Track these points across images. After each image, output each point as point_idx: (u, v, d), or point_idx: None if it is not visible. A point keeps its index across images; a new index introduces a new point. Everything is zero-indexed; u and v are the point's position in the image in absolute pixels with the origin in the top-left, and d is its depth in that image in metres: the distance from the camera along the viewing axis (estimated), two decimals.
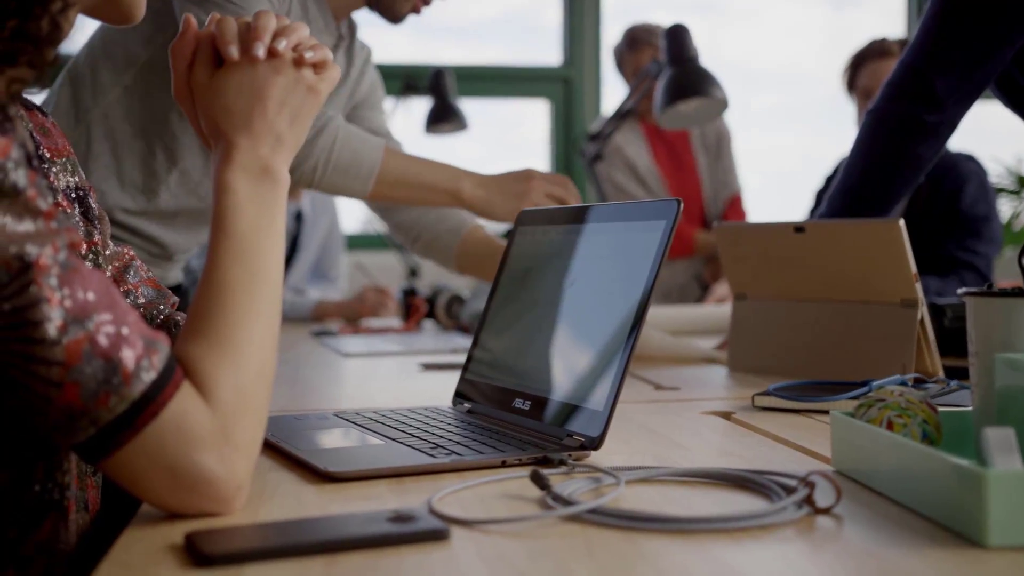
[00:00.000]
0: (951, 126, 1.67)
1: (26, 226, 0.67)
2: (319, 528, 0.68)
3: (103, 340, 0.69)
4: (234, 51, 0.84)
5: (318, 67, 0.87)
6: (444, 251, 1.87)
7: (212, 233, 0.81)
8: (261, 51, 0.84)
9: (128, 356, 0.70)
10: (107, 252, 0.97)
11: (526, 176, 1.65)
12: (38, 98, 1.79)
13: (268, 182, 0.83)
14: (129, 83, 1.62)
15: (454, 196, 1.59)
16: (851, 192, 1.69)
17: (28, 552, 0.79)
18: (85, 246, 0.92)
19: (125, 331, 0.70)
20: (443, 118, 3.27)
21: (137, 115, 1.63)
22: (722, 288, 2.91)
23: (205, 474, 0.72)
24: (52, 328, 0.67)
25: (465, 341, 2.11)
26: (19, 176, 0.67)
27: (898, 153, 1.66)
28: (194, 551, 0.64)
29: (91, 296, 0.69)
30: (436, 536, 0.67)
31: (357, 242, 4.18)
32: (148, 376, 0.70)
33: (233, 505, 0.74)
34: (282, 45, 0.84)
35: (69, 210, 0.91)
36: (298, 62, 0.85)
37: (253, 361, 0.77)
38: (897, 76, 1.67)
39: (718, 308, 2.51)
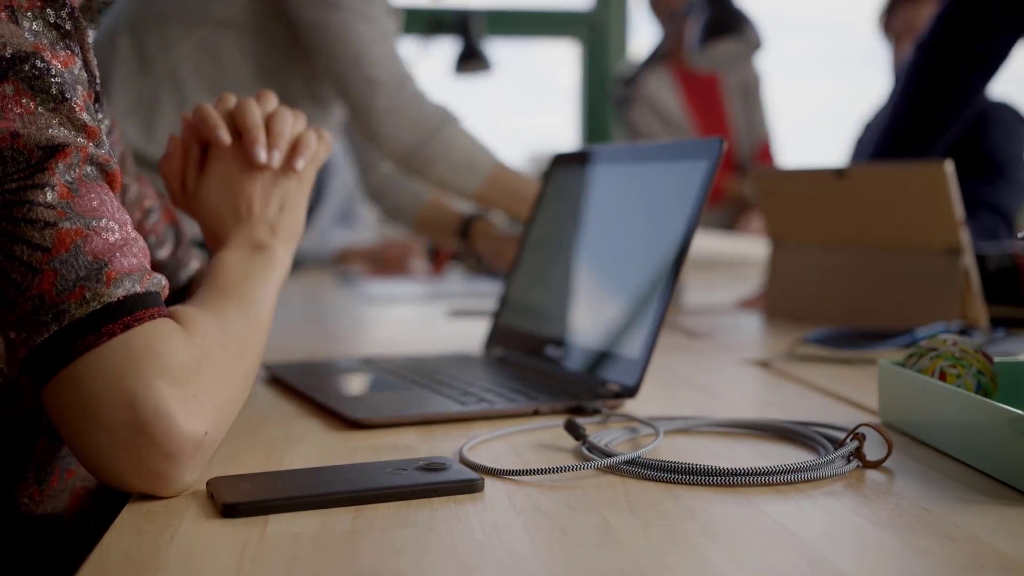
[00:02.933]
0: (1002, 55, 1.62)
1: (64, 133, 0.65)
2: (347, 477, 0.66)
3: (98, 242, 0.64)
4: (225, 137, 0.84)
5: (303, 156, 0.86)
6: (405, 216, 2.00)
7: (201, 288, 0.77)
8: (262, 155, 0.84)
9: (120, 263, 0.64)
10: (129, 194, 0.95)
11: None
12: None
13: (260, 254, 0.81)
14: (201, 39, 1.59)
15: None
16: (898, 128, 1.65)
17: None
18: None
19: (125, 247, 0.65)
20: (470, 60, 3.24)
21: (207, 72, 1.60)
22: (756, 222, 2.88)
23: (166, 409, 0.62)
24: (48, 212, 0.62)
25: (492, 287, 2.08)
26: (71, 89, 0.65)
27: (948, 84, 1.63)
28: (217, 499, 0.62)
29: (104, 208, 0.65)
30: (470, 487, 0.65)
31: None
32: (133, 287, 0.64)
33: (183, 469, 0.63)
34: (261, 158, 0.84)
35: None
36: (285, 169, 0.85)
37: (237, 344, 0.71)
38: (948, 5, 1.63)
39: (749, 243, 2.47)
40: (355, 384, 1.00)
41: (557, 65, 4.81)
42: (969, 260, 1.27)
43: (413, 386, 0.96)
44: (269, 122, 0.85)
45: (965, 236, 1.27)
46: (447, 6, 3.54)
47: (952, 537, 0.56)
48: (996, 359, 0.81)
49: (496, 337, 1.15)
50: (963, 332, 1.16)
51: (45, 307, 0.62)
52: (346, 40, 1.50)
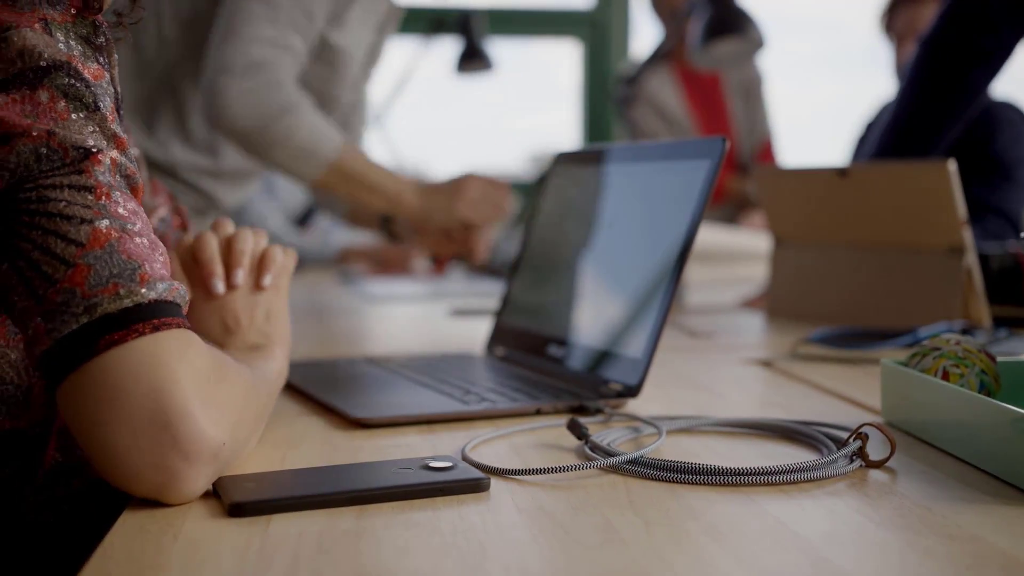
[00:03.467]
0: (1005, 52, 1.63)
1: (97, 139, 0.66)
2: (350, 476, 0.66)
3: (131, 245, 0.64)
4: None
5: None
6: (338, 206, 2.02)
7: None
8: (218, 287, 0.87)
9: (151, 268, 0.65)
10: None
11: (462, 178, 1.66)
12: None
13: (258, 352, 0.85)
14: (194, 40, 1.59)
15: (393, 201, 1.63)
16: (902, 125, 1.65)
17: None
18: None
19: (153, 254, 0.66)
20: (472, 59, 3.24)
21: (201, 73, 1.61)
22: (757, 219, 2.88)
23: (191, 408, 0.61)
24: (85, 210, 0.63)
25: (494, 286, 2.08)
26: (103, 100, 0.67)
27: (951, 79, 1.63)
28: (222, 498, 0.62)
29: (136, 215, 0.66)
30: (475, 486, 0.65)
31: None
32: (163, 293, 0.64)
33: (198, 473, 0.62)
34: (217, 289, 0.87)
35: None
36: (254, 287, 0.89)
37: (251, 381, 0.73)
38: (953, 2, 1.63)
39: (751, 236, 2.47)
40: (358, 384, 1.00)
41: (558, 64, 4.82)
42: (972, 259, 1.27)
43: (415, 385, 0.96)
44: (231, 243, 0.89)
45: (968, 235, 1.27)
46: (448, 5, 3.54)
47: (954, 537, 0.56)
48: (999, 359, 0.81)
49: (498, 336, 1.15)
50: (966, 332, 1.16)
51: (76, 300, 0.62)
52: (231, 20, 1.50)
